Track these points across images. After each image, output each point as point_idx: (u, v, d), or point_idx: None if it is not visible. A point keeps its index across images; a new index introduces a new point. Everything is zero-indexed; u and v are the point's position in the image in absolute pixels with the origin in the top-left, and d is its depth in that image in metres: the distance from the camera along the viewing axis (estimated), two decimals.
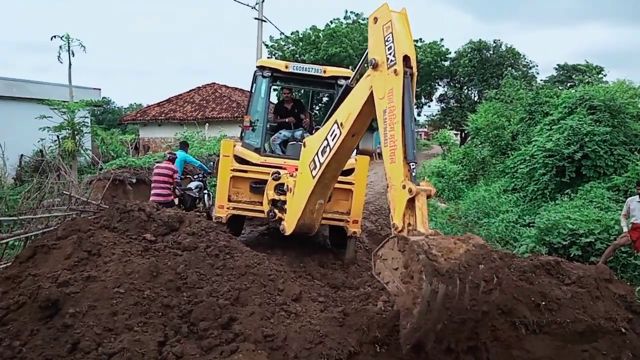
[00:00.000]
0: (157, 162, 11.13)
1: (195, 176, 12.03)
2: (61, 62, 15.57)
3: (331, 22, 43.59)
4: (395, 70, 4.32)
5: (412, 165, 4.16)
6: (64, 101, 15.10)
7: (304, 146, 6.72)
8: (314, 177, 6.19)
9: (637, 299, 6.53)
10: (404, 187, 4.10)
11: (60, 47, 15.31)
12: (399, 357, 4.75)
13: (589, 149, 14.79)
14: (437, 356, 5.09)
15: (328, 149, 5.90)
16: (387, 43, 4.52)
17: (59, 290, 4.74)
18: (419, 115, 57.00)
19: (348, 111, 5.52)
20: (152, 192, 10.08)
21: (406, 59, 4.33)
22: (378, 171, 27.25)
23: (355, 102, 5.39)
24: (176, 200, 10.81)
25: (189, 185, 11.40)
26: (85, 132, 15.76)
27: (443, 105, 57.34)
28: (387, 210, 13.10)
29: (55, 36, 15.31)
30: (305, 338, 4.66)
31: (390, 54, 4.44)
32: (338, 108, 5.95)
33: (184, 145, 12.43)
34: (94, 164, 18.47)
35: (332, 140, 5.78)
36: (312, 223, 7.10)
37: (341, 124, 5.61)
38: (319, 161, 6.09)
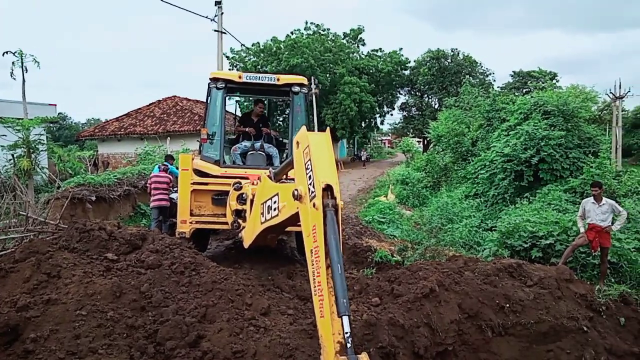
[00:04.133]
0: (153, 174, 11.48)
1: (175, 188, 11.95)
2: (14, 79, 15.06)
3: (292, 32, 43.87)
4: (315, 204, 3.71)
5: (345, 320, 3.28)
6: (19, 118, 14.62)
7: (260, 180, 6.30)
8: (262, 222, 5.62)
9: (597, 297, 6.77)
10: None
11: (13, 63, 14.84)
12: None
13: (545, 153, 15.29)
14: None
15: (271, 214, 5.24)
16: (307, 171, 3.94)
17: (18, 315, 4.58)
18: (382, 124, 57.84)
19: (282, 204, 4.85)
20: (154, 198, 11.02)
21: (328, 188, 3.71)
22: (344, 180, 27.40)
23: (283, 212, 4.81)
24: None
25: (171, 196, 11.34)
26: (42, 150, 15.24)
27: (405, 113, 58.41)
28: (352, 220, 13.18)
29: (7, 52, 14.82)
30: (276, 352, 4.63)
31: (310, 184, 3.84)
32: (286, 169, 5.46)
33: (169, 159, 12.61)
34: (51, 183, 17.88)
35: (274, 211, 5.13)
36: (267, 244, 7.05)
37: (278, 207, 4.98)
38: (265, 215, 5.47)
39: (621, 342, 6.31)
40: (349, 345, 3.21)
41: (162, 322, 4.92)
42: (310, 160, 3.93)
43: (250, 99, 9.94)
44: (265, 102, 10.95)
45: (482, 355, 5.83)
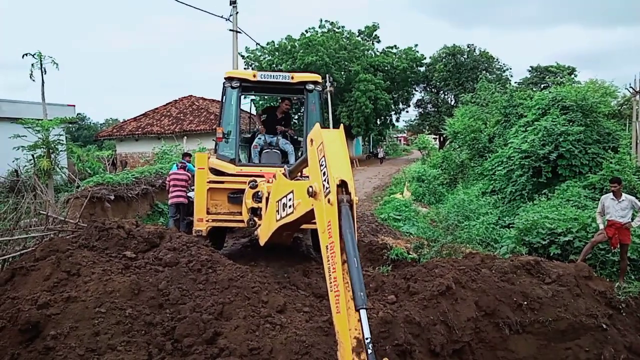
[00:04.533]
0: (172, 172, 11.71)
1: (192, 186, 12.09)
2: (34, 80, 15.30)
3: (306, 31, 43.86)
4: (329, 200, 3.71)
5: (363, 313, 3.27)
6: (38, 119, 14.84)
7: (275, 178, 6.31)
8: (277, 220, 5.62)
9: (616, 294, 6.67)
10: None
11: (33, 65, 15.08)
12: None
13: (564, 149, 15.09)
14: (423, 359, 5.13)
15: (287, 211, 5.25)
16: (321, 168, 3.96)
17: (39, 313, 4.67)
18: (397, 121, 57.58)
19: (297, 201, 4.85)
20: (171, 195, 11.27)
21: (342, 184, 3.73)
22: (359, 178, 27.36)
23: (298, 209, 4.82)
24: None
25: (188, 194, 11.48)
26: (61, 150, 15.45)
27: (421, 110, 58.03)
28: (368, 217, 13.15)
29: (27, 54, 15.06)
30: (292, 349, 4.65)
31: (325, 180, 3.86)
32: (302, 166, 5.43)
33: (186, 156, 12.77)
34: (70, 182, 18.16)
35: (289, 208, 5.13)
36: (283, 242, 7.08)
37: (294, 204, 5.00)
38: (281, 213, 5.47)
39: None
40: (369, 351, 3.16)
41: (179, 319, 4.97)
42: (324, 156, 3.94)
43: (266, 97, 9.96)
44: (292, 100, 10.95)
45: (499, 353, 5.79)
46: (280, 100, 9.96)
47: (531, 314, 6.03)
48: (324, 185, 3.87)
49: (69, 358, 4.27)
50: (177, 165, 11.88)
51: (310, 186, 4.06)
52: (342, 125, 4.61)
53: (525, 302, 6.10)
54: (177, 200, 11.16)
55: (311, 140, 4.30)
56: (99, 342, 4.50)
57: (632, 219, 8.41)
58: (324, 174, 3.89)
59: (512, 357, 5.80)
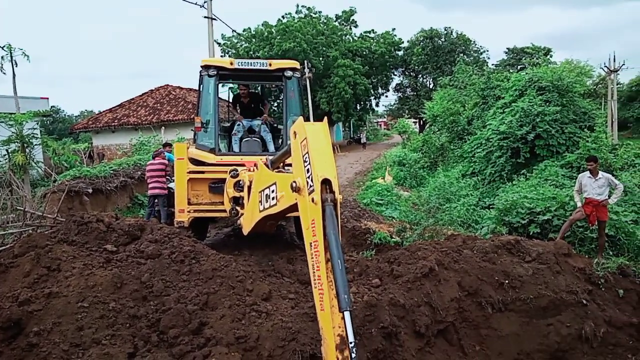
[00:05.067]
0: (149, 162, 11.45)
1: (172, 177, 11.94)
2: (4, 73, 14.92)
3: (283, 17, 43.47)
4: (313, 199, 3.69)
5: (347, 316, 3.29)
6: (11, 113, 14.49)
7: (256, 167, 6.26)
8: (260, 211, 5.61)
9: (595, 270, 6.82)
10: None
11: (2, 57, 14.68)
12: (372, 347, 4.82)
13: (541, 129, 15.27)
14: (408, 341, 5.20)
15: (270, 203, 5.24)
16: (305, 164, 3.91)
17: (20, 310, 4.59)
18: (377, 105, 57.66)
19: (281, 194, 4.87)
20: (149, 186, 10.89)
21: (326, 182, 3.70)
22: (340, 164, 27.38)
23: (281, 202, 4.83)
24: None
25: (169, 185, 11.32)
26: (36, 144, 15.08)
27: (400, 94, 58.24)
28: (351, 203, 13.19)
29: None
30: (278, 336, 4.67)
31: (308, 177, 3.81)
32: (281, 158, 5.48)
33: (167, 146, 12.57)
34: (47, 177, 17.85)
35: (272, 200, 5.13)
36: (266, 230, 7.08)
37: (277, 196, 4.99)
38: (264, 204, 5.46)
39: (620, 313, 6.38)
40: (353, 355, 3.21)
41: (164, 311, 4.95)
42: (308, 153, 3.89)
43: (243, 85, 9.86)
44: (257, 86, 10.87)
45: (482, 332, 5.89)
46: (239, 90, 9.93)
47: (513, 292, 6.14)
48: (307, 183, 3.84)
49: (53, 354, 4.21)
50: (153, 155, 11.67)
51: (294, 181, 4.03)
52: (326, 118, 4.56)
53: (507, 281, 6.21)
54: (152, 192, 10.92)
55: (294, 133, 4.24)
56: (83, 336, 4.45)
57: (609, 196, 8.57)
58: (308, 170, 3.85)
59: (495, 335, 5.91)
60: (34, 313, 4.62)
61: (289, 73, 8.57)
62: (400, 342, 5.10)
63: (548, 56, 40.85)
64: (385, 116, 78.67)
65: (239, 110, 9.52)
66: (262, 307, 5.18)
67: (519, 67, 42.12)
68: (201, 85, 8.63)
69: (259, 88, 12.72)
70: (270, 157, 5.93)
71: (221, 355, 4.32)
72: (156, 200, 10.88)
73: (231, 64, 8.46)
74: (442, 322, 5.70)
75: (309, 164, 3.84)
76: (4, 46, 14.52)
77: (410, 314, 5.47)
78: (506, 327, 5.97)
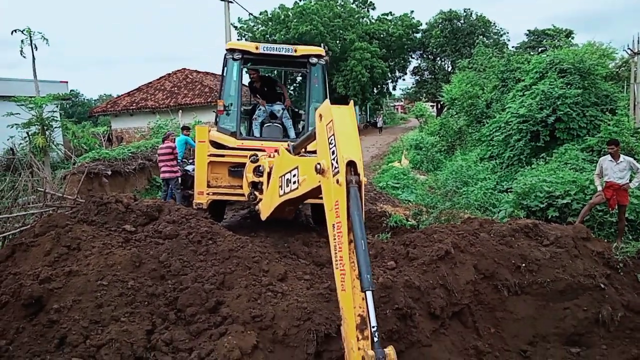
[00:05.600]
0: (159, 147, 11.61)
1: (191, 160, 12.06)
2: (24, 57, 15.11)
3: None
4: (338, 180, 3.69)
5: (369, 295, 3.26)
6: (31, 97, 14.70)
7: (278, 153, 6.28)
8: (280, 195, 5.64)
9: (614, 255, 6.73)
10: (358, 348, 3.32)
11: (22, 41, 14.85)
12: (386, 328, 4.84)
13: (562, 112, 15.02)
14: (423, 322, 5.21)
15: (290, 187, 5.26)
16: (330, 146, 3.91)
17: (41, 287, 4.69)
18: (394, 89, 57.14)
19: (303, 178, 4.86)
20: (160, 170, 11.09)
21: (351, 164, 3.70)
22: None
23: (303, 185, 4.82)
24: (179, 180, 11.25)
25: (186, 168, 11.43)
26: (55, 127, 15.33)
27: (417, 77, 57.57)
28: (367, 186, 13.16)
29: (15, 30, 14.81)
30: (293, 316, 4.70)
31: (333, 159, 3.81)
32: (304, 143, 5.44)
33: (185, 130, 12.73)
34: (67, 159, 18.11)
35: (294, 184, 5.14)
36: (285, 216, 7.10)
37: (298, 180, 4.99)
38: (284, 188, 5.47)
39: (638, 298, 6.29)
40: (375, 339, 3.20)
41: (181, 290, 5.01)
42: (333, 135, 3.88)
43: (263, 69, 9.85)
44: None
45: (498, 314, 5.87)
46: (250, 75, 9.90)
47: (529, 276, 6.09)
48: (332, 164, 3.83)
49: (73, 330, 4.31)
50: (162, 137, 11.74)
51: (319, 163, 4.02)
52: (351, 101, 4.53)
53: (524, 264, 6.15)
54: (163, 176, 11.08)
55: (320, 116, 4.23)
56: (102, 314, 4.54)
57: (630, 180, 8.42)
58: (333, 152, 3.84)
59: (511, 318, 5.88)
60: (54, 291, 4.72)
61: (314, 60, 8.51)
62: (415, 323, 5.11)
63: (569, 38, 40.02)
64: (403, 100, 77.93)
65: (258, 97, 9.52)
66: (277, 288, 5.22)
67: (539, 49, 41.26)
68: (225, 69, 8.63)
69: (274, 72, 12.68)
70: (292, 143, 5.93)
71: (237, 334, 4.38)
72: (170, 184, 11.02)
73: (256, 48, 8.41)
74: (458, 305, 5.68)
75: (335, 145, 3.84)
76: (24, 30, 14.67)
77: (426, 296, 5.46)
78: (522, 310, 5.94)
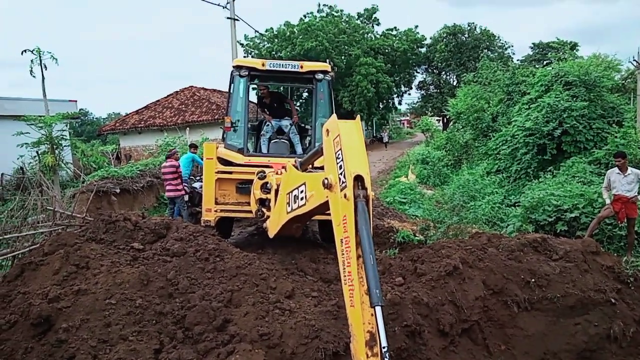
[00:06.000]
0: (162, 164, 11.74)
1: (198, 177, 12.12)
2: (34, 76, 15.32)
3: (305, 16, 43.53)
4: (345, 195, 3.69)
5: (378, 311, 3.22)
6: (40, 116, 14.88)
7: (285, 170, 6.32)
8: (287, 212, 5.65)
9: (624, 269, 6.66)
10: None
11: (32, 61, 15.08)
12: (395, 346, 4.80)
13: (568, 125, 14.99)
14: (432, 340, 5.16)
15: (298, 203, 5.29)
16: (337, 161, 3.91)
17: (50, 306, 4.71)
18: (400, 104, 57.29)
19: (310, 194, 4.89)
20: (166, 189, 11.20)
21: (358, 178, 3.69)
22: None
23: (311, 201, 4.84)
24: (186, 197, 11.29)
25: (193, 185, 11.49)
26: (65, 146, 15.47)
27: (423, 92, 57.77)
28: (374, 201, 13.15)
29: (25, 50, 15.06)
30: (301, 334, 4.68)
31: (341, 174, 3.82)
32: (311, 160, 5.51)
33: (193, 147, 12.82)
34: (76, 177, 18.26)
35: (301, 200, 5.15)
36: (292, 234, 7.12)
37: (306, 196, 5.01)
38: (292, 205, 5.48)
39: None
40: (386, 359, 3.15)
41: (189, 308, 5.01)
42: (340, 149, 3.89)
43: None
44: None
45: (508, 331, 5.81)
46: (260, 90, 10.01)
47: (539, 291, 6.04)
48: (340, 179, 3.83)
49: (81, 350, 4.31)
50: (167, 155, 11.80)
51: (326, 178, 4.02)
52: (358, 116, 4.56)
53: (533, 279, 6.10)
54: (168, 195, 11.18)
55: (327, 131, 4.24)
56: (110, 333, 4.54)
57: (639, 193, 8.37)
58: (340, 167, 3.84)
59: (521, 334, 5.82)
60: (63, 310, 4.73)
61: (320, 75, 8.59)
62: (424, 340, 5.07)
63: (574, 51, 40.03)
64: (408, 114, 78.12)
65: (267, 112, 9.58)
66: (285, 305, 5.21)
67: (544, 62, 41.31)
68: (232, 85, 8.72)
69: (281, 88, 12.77)
70: (300, 159, 5.95)
71: (245, 352, 4.36)
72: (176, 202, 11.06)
73: (263, 65, 8.50)
74: (467, 321, 5.63)
75: (342, 160, 3.84)
76: (33, 50, 14.89)
77: (434, 312, 5.43)
78: (532, 327, 5.87)
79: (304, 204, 5.07)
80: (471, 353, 5.49)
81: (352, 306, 3.51)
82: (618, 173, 8.47)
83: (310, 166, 6.02)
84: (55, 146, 14.47)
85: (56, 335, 4.49)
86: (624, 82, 26.56)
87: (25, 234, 7.67)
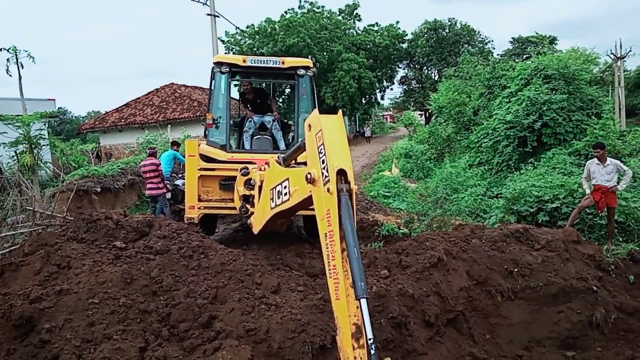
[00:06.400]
0: (142, 162, 11.63)
1: (180, 174, 12.01)
2: (10, 75, 15.03)
3: (286, 12, 43.31)
4: (329, 189, 3.68)
5: (363, 303, 3.24)
6: (18, 115, 14.58)
7: (268, 165, 6.28)
8: (272, 208, 5.61)
9: (605, 257, 6.78)
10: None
11: (8, 59, 14.79)
12: (381, 337, 4.82)
13: (548, 117, 15.18)
14: (418, 330, 5.20)
15: (282, 199, 5.24)
16: (320, 155, 3.91)
17: (32, 307, 4.63)
18: (382, 99, 57.44)
19: (294, 189, 4.86)
20: (147, 188, 11.09)
21: (341, 172, 3.69)
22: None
23: (294, 196, 4.81)
24: (168, 195, 11.19)
25: (175, 182, 11.38)
26: (43, 145, 15.19)
27: (405, 87, 57.96)
28: (358, 196, 13.18)
29: (1, 49, 14.75)
30: (288, 328, 4.68)
31: (324, 168, 3.81)
32: (295, 153, 5.46)
33: (175, 145, 12.68)
34: (55, 177, 17.97)
35: (285, 195, 5.12)
36: (277, 229, 7.10)
37: (289, 191, 5.00)
38: (276, 200, 5.45)
39: (631, 299, 6.35)
40: (372, 351, 3.16)
41: (174, 306, 4.97)
42: (323, 144, 3.89)
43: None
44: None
45: (492, 320, 5.89)
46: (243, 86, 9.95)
47: (522, 280, 6.13)
48: (322, 173, 3.83)
49: (65, 350, 4.25)
50: (147, 152, 11.72)
51: (309, 172, 4.02)
52: (340, 110, 4.56)
53: (516, 269, 6.19)
54: (149, 193, 11.12)
55: (309, 126, 4.23)
56: (94, 332, 4.49)
57: (618, 183, 8.51)
58: (323, 161, 3.84)
59: (505, 323, 5.90)
60: (45, 310, 4.66)
61: (301, 71, 8.56)
62: (410, 331, 5.11)
63: (553, 44, 40.59)
64: (391, 109, 78.38)
65: (249, 108, 9.51)
66: (271, 300, 5.20)
67: (524, 56, 41.78)
68: (213, 82, 8.65)
69: (263, 84, 12.70)
70: (282, 155, 5.92)
71: (232, 348, 4.34)
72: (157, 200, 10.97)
73: (244, 61, 8.46)
74: (452, 312, 5.69)
75: (324, 155, 3.84)
76: (9, 49, 14.59)
77: (420, 303, 5.47)
78: (516, 315, 5.96)
79: (288, 199, 5.05)
80: (457, 343, 5.55)
81: (337, 299, 3.51)
82: (597, 164, 8.59)
83: (294, 161, 5.99)
84: (33, 145, 14.19)
85: (39, 335, 4.43)
86: (602, 74, 27.03)
87: (5, 235, 7.54)
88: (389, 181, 15.97)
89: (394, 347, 4.90)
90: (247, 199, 7.37)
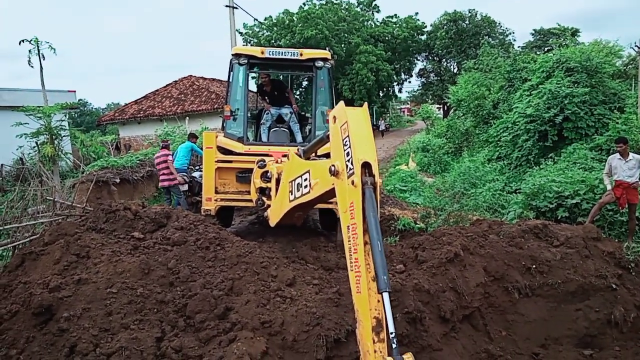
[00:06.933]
0: (155, 154, 11.78)
1: (197, 166, 12.11)
2: (32, 67, 15.20)
3: (304, 4, 43.24)
4: (353, 182, 3.66)
5: (386, 297, 3.24)
6: (39, 106, 14.81)
7: (288, 158, 6.26)
8: (290, 200, 5.61)
9: (625, 254, 6.65)
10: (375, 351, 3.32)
11: (30, 51, 14.97)
12: (396, 332, 4.80)
13: (569, 111, 14.92)
14: (433, 326, 5.17)
15: (302, 191, 5.23)
16: (345, 147, 3.88)
17: (51, 296, 4.71)
18: (400, 92, 57.06)
19: (315, 181, 4.85)
20: (160, 180, 11.24)
21: (366, 165, 3.67)
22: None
23: (315, 189, 4.81)
24: (185, 187, 11.26)
25: (193, 174, 11.47)
26: (64, 136, 15.42)
27: (423, 79, 57.50)
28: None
29: (23, 40, 14.93)
30: (303, 321, 4.69)
31: (348, 160, 3.79)
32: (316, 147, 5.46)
33: (192, 137, 12.76)
34: (75, 168, 18.26)
35: (305, 188, 5.11)
36: (294, 222, 7.11)
37: (310, 184, 4.98)
38: (295, 193, 5.43)
39: None
40: (394, 345, 3.16)
41: (190, 296, 5.01)
42: (348, 136, 3.87)
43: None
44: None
45: (509, 317, 5.82)
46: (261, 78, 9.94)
47: (540, 277, 6.04)
48: (347, 166, 3.81)
49: (83, 338, 4.32)
50: (160, 145, 11.88)
51: (333, 165, 4.00)
52: (365, 103, 4.53)
53: (534, 266, 6.10)
54: (162, 184, 11.23)
55: (334, 118, 4.21)
56: (112, 321, 4.55)
57: None
58: (348, 154, 3.83)
59: (522, 320, 5.83)
60: (64, 299, 4.74)
61: (319, 63, 8.53)
62: (425, 327, 5.08)
63: (575, 37, 39.82)
64: (409, 102, 77.83)
65: (267, 100, 9.52)
66: (286, 293, 5.21)
67: (546, 48, 41.06)
68: (231, 74, 8.66)
69: (281, 76, 12.69)
70: (303, 147, 5.91)
71: (247, 340, 4.37)
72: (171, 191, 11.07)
73: (262, 52, 8.45)
74: (468, 308, 5.64)
75: (349, 147, 3.82)
76: (31, 40, 14.78)
77: (435, 299, 5.43)
78: (533, 313, 5.88)
79: (308, 192, 5.05)
80: (472, 339, 5.51)
81: (358, 292, 3.52)
82: (619, 159, 8.43)
83: (314, 154, 5.98)
84: (54, 136, 14.41)
85: (57, 324, 4.50)
86: (625, 68, 26.39)
87: (26, 224, 7.67)
88: (405, 175, 15.90)
89: (409, 342, 4.88)
90: (263, 192, 7.39)
